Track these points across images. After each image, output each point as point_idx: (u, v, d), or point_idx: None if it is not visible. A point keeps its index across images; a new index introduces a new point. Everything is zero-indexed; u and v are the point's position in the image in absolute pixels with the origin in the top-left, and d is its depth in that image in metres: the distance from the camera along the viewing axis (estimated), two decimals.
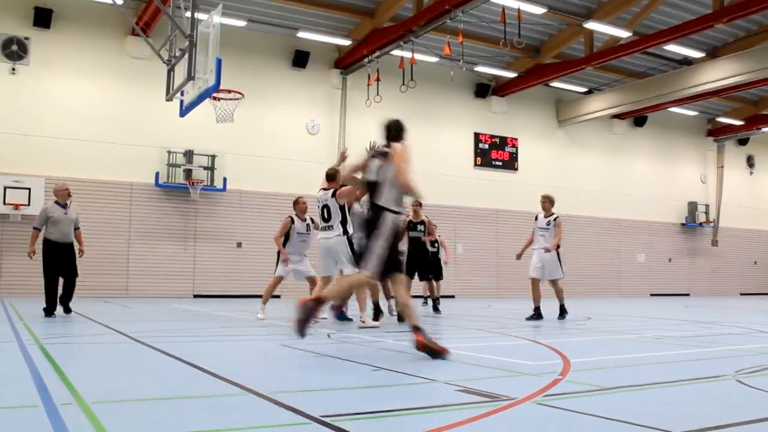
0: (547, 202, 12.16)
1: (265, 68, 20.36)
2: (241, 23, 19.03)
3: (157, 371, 5.46)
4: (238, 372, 5.26)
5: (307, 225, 11.60)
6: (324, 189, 10.05)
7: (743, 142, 30.77)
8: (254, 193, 19.53)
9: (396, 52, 19.46)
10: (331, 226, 9.72)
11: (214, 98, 14.79)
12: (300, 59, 20.64)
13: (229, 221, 19.44)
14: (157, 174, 18.46)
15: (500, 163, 24.07)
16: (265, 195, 19.72)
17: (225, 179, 19.10)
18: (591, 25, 19.52)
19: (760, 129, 28.79)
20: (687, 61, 22.43)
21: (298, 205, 11.71)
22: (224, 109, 15.63)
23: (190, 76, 11.45)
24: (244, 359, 6.49)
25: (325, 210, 9.86)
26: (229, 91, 15.27)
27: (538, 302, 11.58)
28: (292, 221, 11.50)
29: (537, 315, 11.38)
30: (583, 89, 25.06)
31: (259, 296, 12.95)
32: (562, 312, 11.72)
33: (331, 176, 10.06)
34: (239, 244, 19.47)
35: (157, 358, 6.12)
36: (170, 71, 13.02)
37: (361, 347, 7.00)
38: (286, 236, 11.31)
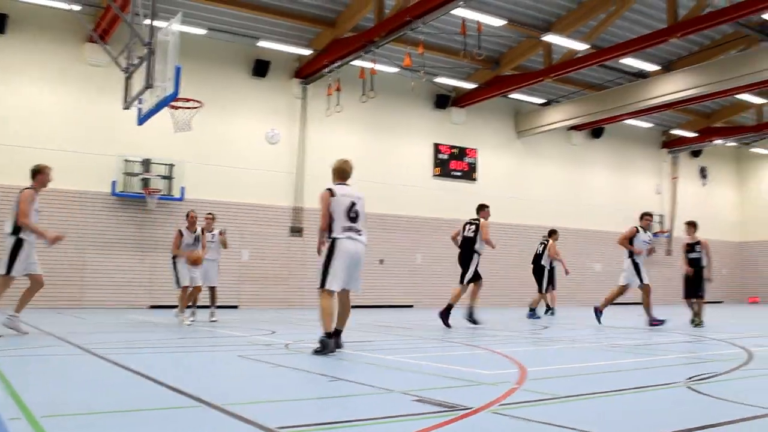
0: None
1: (225, 77, 20.23)
2: (201, 31, 18.89)
3: (110, 384, 5.37)
4: (193, 383, 5.20)
5: (196, 237, 12.40)
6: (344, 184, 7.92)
7: (696, 153, 31.39)
8: (213, 203, 19.31)
9: (357, 63, 19.48)
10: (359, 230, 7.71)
11: (173, 107, 14.64)
12: (260, 68, 20.54)
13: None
14: (113, 183, 18.21)
15: (459, 174, 24.20)
16: (224, 205, 19.53)
17: (183, 189, 18.91)
18: (549, 38, 19.77)
19: (712, 141, 29.39)
20: (642, 74, 22.83)
21: (188, 218, 12.47)
22: (182, 118, 15.48)
23: (149, 84, 11.34)
24: (199, 371, 6.42)
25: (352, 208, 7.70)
26: (188, 100, 15.12)
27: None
28: (181, 234, 12.31)
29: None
30: (541, 101, 25.34)
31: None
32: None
33: (346, 173, 8.01)
34: None
35: (110, 371, 6.02)
36: (128, 79, 12.89)
37: (317, 358, 6.97)
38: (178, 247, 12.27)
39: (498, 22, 18.07)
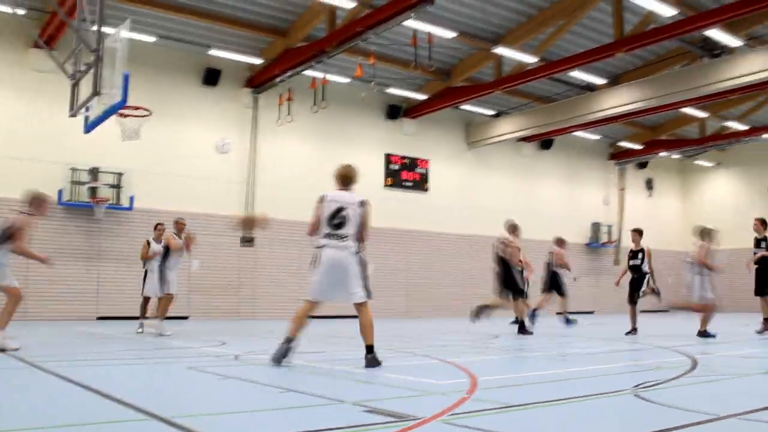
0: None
1: (175, 85, 20.01)
2: (151, 39, 18.66)
3: (55, 399, 5.24)
4: (142, 396, 5.11)
5: (165, 247, 12.71)
6: (344, 190, 7.69)
7: (643, 165, 32.06)
8: (163, 212, 19.02)
9: (308, 73, 19.45)
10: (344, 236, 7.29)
11: (121, 115, 14.43)
12: (211, 77, 20.36)
13: (136, 241, 18.88)
14: (59, 192, 17.83)
15: (411, 184, 24.29)
16: (174, 214, 19.20)
17: (132, 198, 18.61)
18: (500, 50, 20.01)
19: (657, 153, 30.06)
20: (590, 87, 23.25)
21: (157, 230, 13.20)
22: (131, 127, 15.26)
23: (96, 92, 11.16)
24: (148, 383, 6.32)
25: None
26: (137, 108, 14.92)
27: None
28: (149, 243, 13.02)
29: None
30: (492, 112, 25.60)
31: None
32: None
33: (345, 178, 7.78)
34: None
35: (55, 384, 5.88)
36: (75, 86, 12.66)
37: (268, 369, 6.92)
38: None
39: (449, 34, 18.23)
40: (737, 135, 27.73)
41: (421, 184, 24.55)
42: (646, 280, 13.55)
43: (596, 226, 29.44)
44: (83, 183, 18.09)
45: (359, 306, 7.19)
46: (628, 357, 9.25)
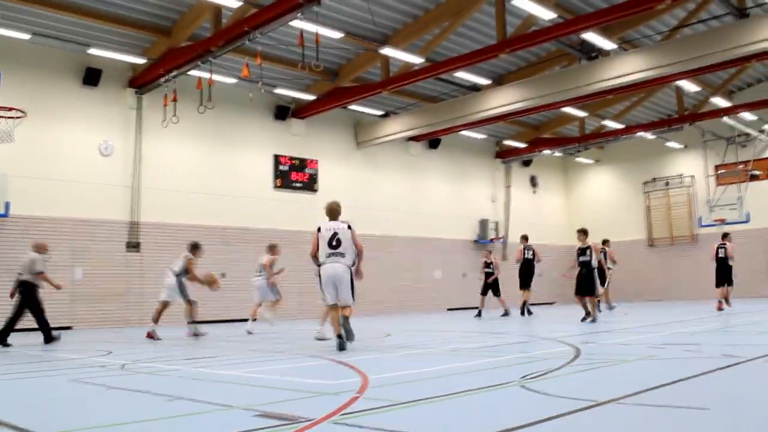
0: None
1: (53, 85, 19.13)
2: (25, 36, 17.77)
3: None
4: (20, 413, 4.88)
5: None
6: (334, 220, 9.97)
7: (527, 163, 33.09)
8: (43, 219, 18.24)
9: (194, 73, 19.02)
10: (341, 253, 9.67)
11: None
12: (91, 77, 19.59)
13: (14, 250, 17.97)
14: None
15: (300, 185, 24.15)
16: (55, 220, 18.50)
17: (7, 204, 17.70)
18: (387, 51, 20.17)
19: (541, 151, 31.10)
20: (475, 88, 23.79)
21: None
22: (3, 128, 14.51)
23: None
24: (27, 398, 6.03)
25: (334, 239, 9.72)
26: (10, 109, 14.21)
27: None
28: None
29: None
30: (380, 112, 25.79)
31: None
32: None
33: (333, 212, 10.06)
34: None
35: None
36: None
37: (156, 377, 6.75)
38: None
39: (336, 34, 18.25)
40: (614, 133, 29.04)
41: (310, 184, 24.46)
42: (596, 274, 14.72)
43: (484, 223, 30.15)
44: None
45: (345, 306, 9.50)
46: (516, 349, 9.53)
